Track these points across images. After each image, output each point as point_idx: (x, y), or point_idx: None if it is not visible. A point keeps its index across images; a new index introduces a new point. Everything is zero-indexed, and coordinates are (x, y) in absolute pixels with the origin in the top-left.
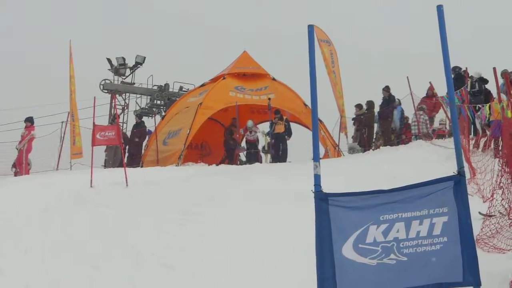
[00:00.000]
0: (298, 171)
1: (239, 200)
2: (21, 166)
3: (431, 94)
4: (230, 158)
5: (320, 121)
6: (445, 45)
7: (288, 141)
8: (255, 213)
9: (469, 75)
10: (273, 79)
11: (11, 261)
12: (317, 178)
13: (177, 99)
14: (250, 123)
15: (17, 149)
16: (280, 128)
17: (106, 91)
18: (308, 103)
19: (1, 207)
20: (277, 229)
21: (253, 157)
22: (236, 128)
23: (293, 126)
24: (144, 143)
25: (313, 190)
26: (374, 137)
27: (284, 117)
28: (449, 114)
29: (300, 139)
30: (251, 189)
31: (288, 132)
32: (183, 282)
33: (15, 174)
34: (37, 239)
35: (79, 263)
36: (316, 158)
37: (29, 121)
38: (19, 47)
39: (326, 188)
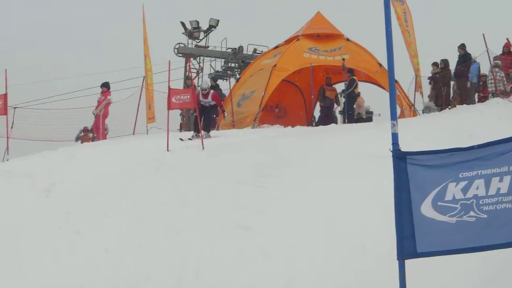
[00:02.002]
0: (375, 131)
1: (315, 162)
2: (98, 131)
3: (507, 51)
4: (325, 117)
5: (396, 80)
6: None
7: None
8: (332, 175)
9: None
10: (347, 39)
11: (90, 225)
12: (394, 137)
13: (251, 61)
14: (204, 84)
15: (94, 114)
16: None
17: (180, 55)
18: (383, 62)
19: (79, 172)
20: (355, 190)
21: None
22: (329, 87)
23: (368, 86)
24: None
25: (391, 149)
26: (451, 95)
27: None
28: None
29: (375, 99)
30: (327, 150)
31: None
32: (261, 244)
33: (93, 139)
34: (116, 203)
35: (159, 226)
36: (393, 117)
37: (105, 86)
38: (94, 12)
39: (403, 147)
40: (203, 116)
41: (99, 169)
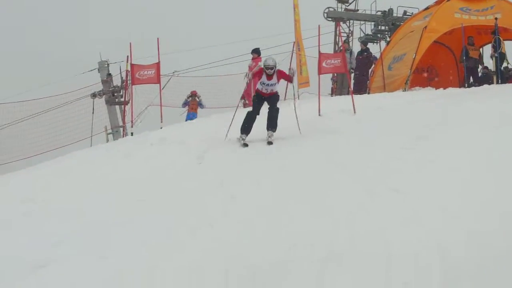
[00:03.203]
0: None
1: (469, 125)
2: (249, 97)
3: None
4: (470, 77)
5: None
6: None
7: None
8: (488, 137)
9: None
10: None
11: (244, 190)
12: None
13: (402, 23)
14: (268, 60)
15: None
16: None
17: (330, 19)
18: None
19: (231, 138)
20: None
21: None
22: (472, 47)
23: None
24: (370, 70)
25: None
26: None
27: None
28: None
29: None
30: (483, 112)
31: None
32: (413, 207)
33: (244, 106)
34: (269, 169)
35: (308, 190)
36: None
37: (256, 52)
38: None
39: None
40: (261, 107)
41: (251, 135)
